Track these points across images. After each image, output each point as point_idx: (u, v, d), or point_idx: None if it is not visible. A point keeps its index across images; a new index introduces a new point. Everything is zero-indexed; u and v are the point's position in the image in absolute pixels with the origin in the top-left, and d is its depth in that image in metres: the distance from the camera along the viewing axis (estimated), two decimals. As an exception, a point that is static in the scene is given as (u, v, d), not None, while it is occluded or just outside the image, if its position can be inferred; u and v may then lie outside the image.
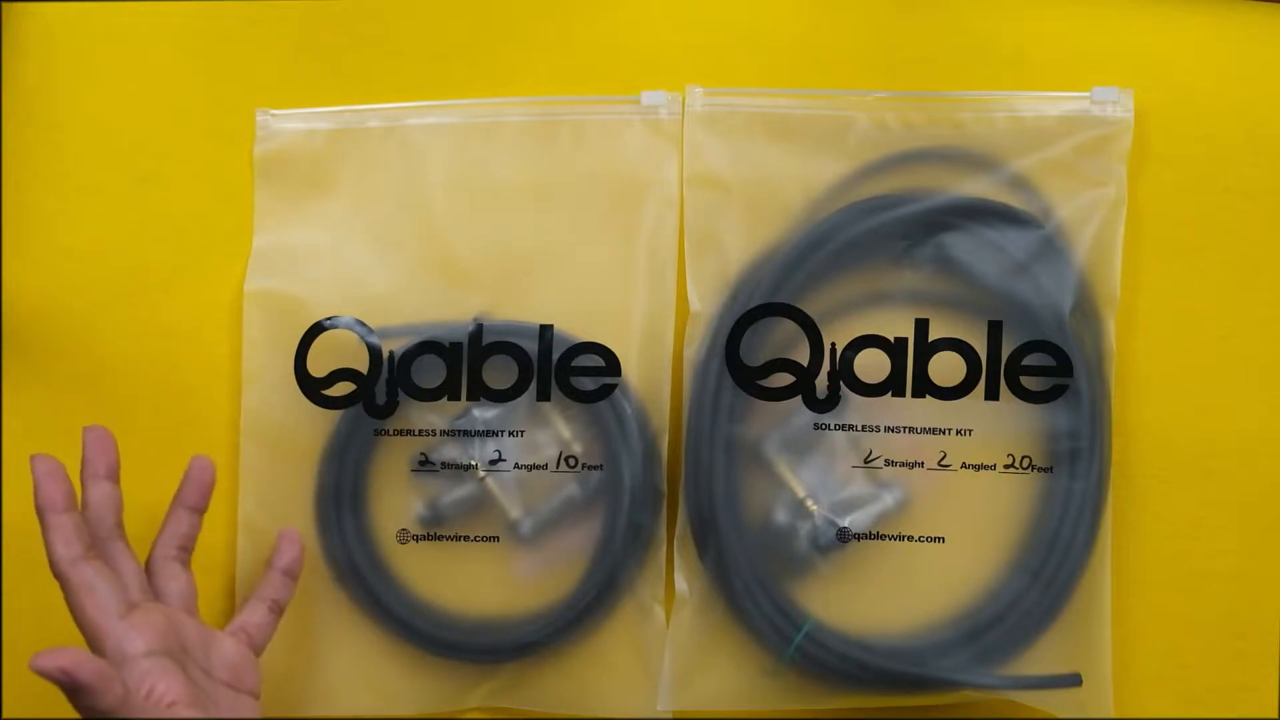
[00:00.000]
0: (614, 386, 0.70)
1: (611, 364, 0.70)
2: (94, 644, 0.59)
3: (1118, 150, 0.69)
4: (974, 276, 0.69)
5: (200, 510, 0.66)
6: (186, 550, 0.65)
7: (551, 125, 0.72)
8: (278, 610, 0.66)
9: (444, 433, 0.70)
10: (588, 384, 0.70)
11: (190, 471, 0.66)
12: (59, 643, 0.72)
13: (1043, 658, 0.68)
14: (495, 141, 0.72)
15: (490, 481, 0.70)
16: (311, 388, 0.70)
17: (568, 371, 0.70)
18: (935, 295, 0.69)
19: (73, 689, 0.54)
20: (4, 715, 0.72)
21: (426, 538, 0.71)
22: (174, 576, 0.64)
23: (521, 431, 0.70)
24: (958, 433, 0.69)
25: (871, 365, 0.69)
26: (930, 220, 0.69)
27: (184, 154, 0.74)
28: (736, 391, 0.69)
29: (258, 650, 0.65)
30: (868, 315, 0.69)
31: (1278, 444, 0.69)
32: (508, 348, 0.70)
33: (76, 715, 0.72)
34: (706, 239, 0.71)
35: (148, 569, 0.64)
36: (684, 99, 0.71)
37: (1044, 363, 0.68)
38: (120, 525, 0.63)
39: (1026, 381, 0.68)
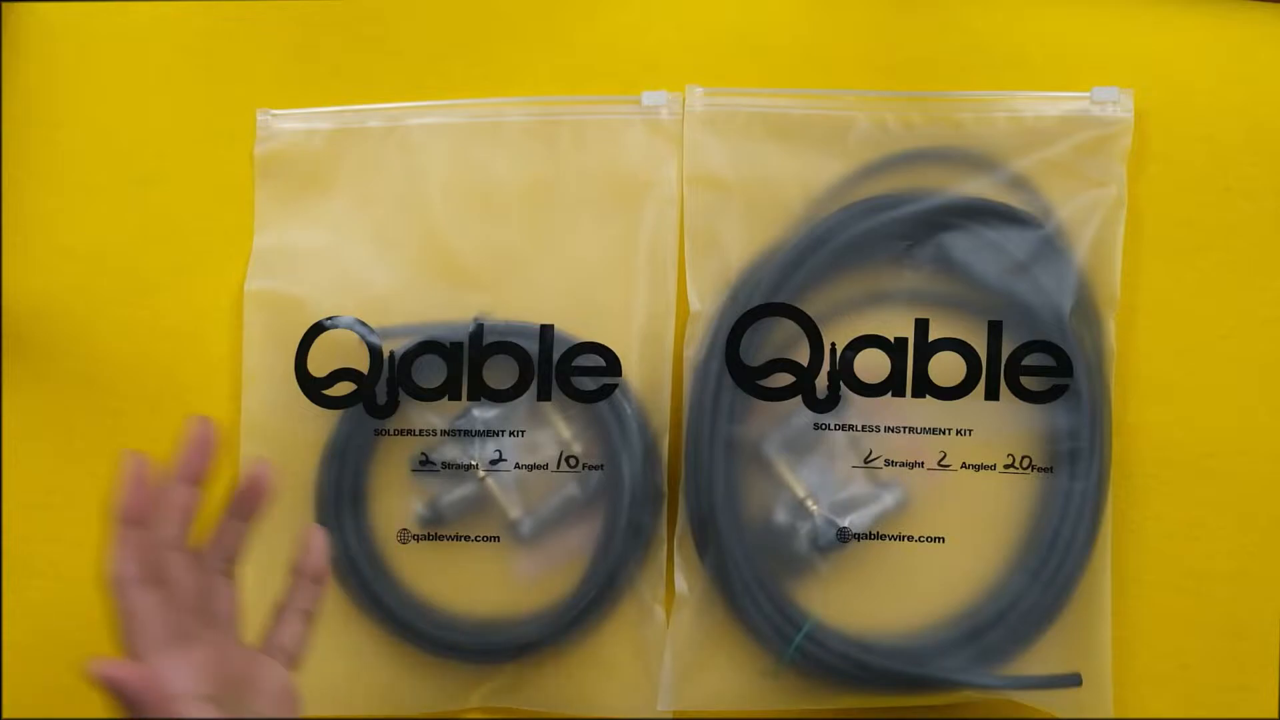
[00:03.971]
0: (614, 386, 0.70)
1: (612, 364, 0.70)
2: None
3: (1118, 150, 0.69)
4: (974, 276, 0.69)
5: (251, 521, 0.61)
6: (233, 563, 0.61)
7: (551, 125, 0.72)
8: (310, 620, 0.61)
9: (444, 433, 0.70)
10: (588, 384, 0.70)
11: (252, 480, 0.61)
12: (59, 641, 0.73)
13: (1043, 658, 0.68)
14: (495, 141, 0.72)
15: (490, 481, 0.70)
16: (312, 388, 0.70)
17: (568, 371, 0.70)
18: (935, 295, 0.69)
19: (127, 701, 0.53)
20: (4, 715, 0.72)
21: (427, 538, 0.71)
22: (221, 593, 0.60)
23: (522, 431, 0.70)
24: (958, 433, 0.69)
25: (871, 365, 0.69)
26: (930, 220, 0.69)
27: (184, 154, 0.74)
28: (736, 391, 0.69)
29: (295, 666, 0.60)
30: (868, 315, 0.69)
31: (1278, 444, 0.69)
32: (508, 348, 0.70)
33: (76, 717, 0.72)
34: (706, 239, 0.71)
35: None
36: (684, 99, 0.71)
37: (1044, 363, 0.68)
38: (185, 534, 0.59)
39: (1026, 381, 0.68)
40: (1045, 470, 0.68)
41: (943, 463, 0.69)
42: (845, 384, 0.69)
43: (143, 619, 0.55)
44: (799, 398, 0.69)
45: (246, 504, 0.60)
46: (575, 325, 0.71)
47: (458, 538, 0.71)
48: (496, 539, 0.70)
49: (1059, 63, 0.71)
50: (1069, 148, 0.69)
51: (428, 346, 0.70)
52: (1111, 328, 0.69)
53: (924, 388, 0.69)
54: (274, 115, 0.73)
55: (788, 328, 0.69)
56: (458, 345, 0.70)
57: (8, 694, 0.72)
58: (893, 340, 0.69)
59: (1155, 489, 0.69)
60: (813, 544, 0.69)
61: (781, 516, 0.69)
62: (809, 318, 0.69)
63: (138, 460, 0.57)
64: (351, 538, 0.70)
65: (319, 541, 0.62)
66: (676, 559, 0.70)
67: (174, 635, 0.56)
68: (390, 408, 0.70)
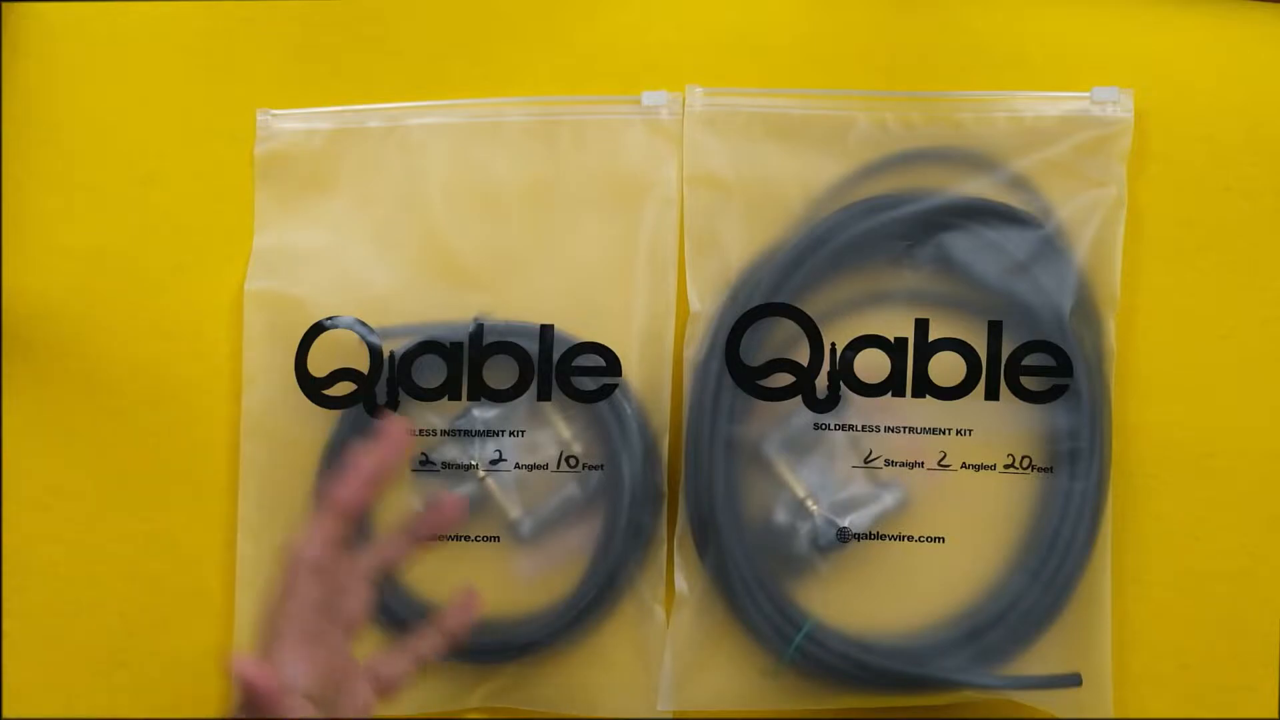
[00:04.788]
0: (614, 386, 0.70)
1: (612, 364, 0.70)
2: (262, 643, 0.57)
3: (1118, 150, 0.69)
4: (974, 276, 0.69)
5: (423, 547, 0.62)
6: (385, 575, 0.61)
7: (551, 125, 0.72)
8: (421, 667, 0.62)
9: (444, 433, 0.70)
10: (588, 384, 0.70)
11: (442, 505, 0.63)
12: (59, 641, 0.73)
13: (1043, 658, 0.68)
14: (495, 141, 0.72)
15: (490, 481, 0.70)
16: (312, 388, 0.70)
17: (568, 371, 0.70)
18: (935, 295, 0.69)
19: (254, 705, 0.53)
20: (4, 715, 0.72)
21: (426, 537, 0.71)
22: (356, 596, 0.59)
23: (522, 431, 0.70)
24: (958, 433, 0.69)
25: (871, 365, 0.69)
26: (930, 220, 0.69)
27: (184, 154, 0.74)
28: (736, 391, 0.69)
29: (385, 697, 0.61)
30: (868, 315, 0.69)
31: (1278, 444, 0.69)
32: (508, 347, 0.70)
33: (75, 716, 0.72)
34: (706, 239, 0.71)
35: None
36: (684, 99, 0.71)
37: (1044, 363, 0.68)
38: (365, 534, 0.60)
39: (1026, 381, 0.68)
40: (1045, 470, 0.68)
41: (943, 463, 0.69)
42: (845, 384, 0.69)
43: (298, 605, 0.56)
44: (799, 398, 0.69)
45: (428, 527, 0.62)
46: (575, 325, 0.70)
47: (458, 538, 0.71)
48: (496, 539, 0.70)
49: (1059, 63, 0.71)
50: (1069, 148, 0.69)
51: (428, 346, 0.70)
52: (1111, 328, 0.69)
53: (924, 388, 0.69)
54: (274, 115, 0.73)
55: (788, 328, 0.69)
56: (458, 345, 0.70)
57: (8, 694, 0.72)
58: (893, 340, 0.69)
59: (1155, 489, 0.69)
60: (813, 544, 0.69)
61: (781, 516, 0.69)
62: (809, 318, 0.69)
63: (372, 454, 0.59)
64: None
65: (470, 606, 0.64)
66: (676, 559, 0.70)
67: (310, 630, 0.56)
68: (390, 408, 0.70)
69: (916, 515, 0.69)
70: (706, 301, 0.70)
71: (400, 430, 0.61)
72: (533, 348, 0.70)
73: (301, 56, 0.74)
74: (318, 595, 0.57)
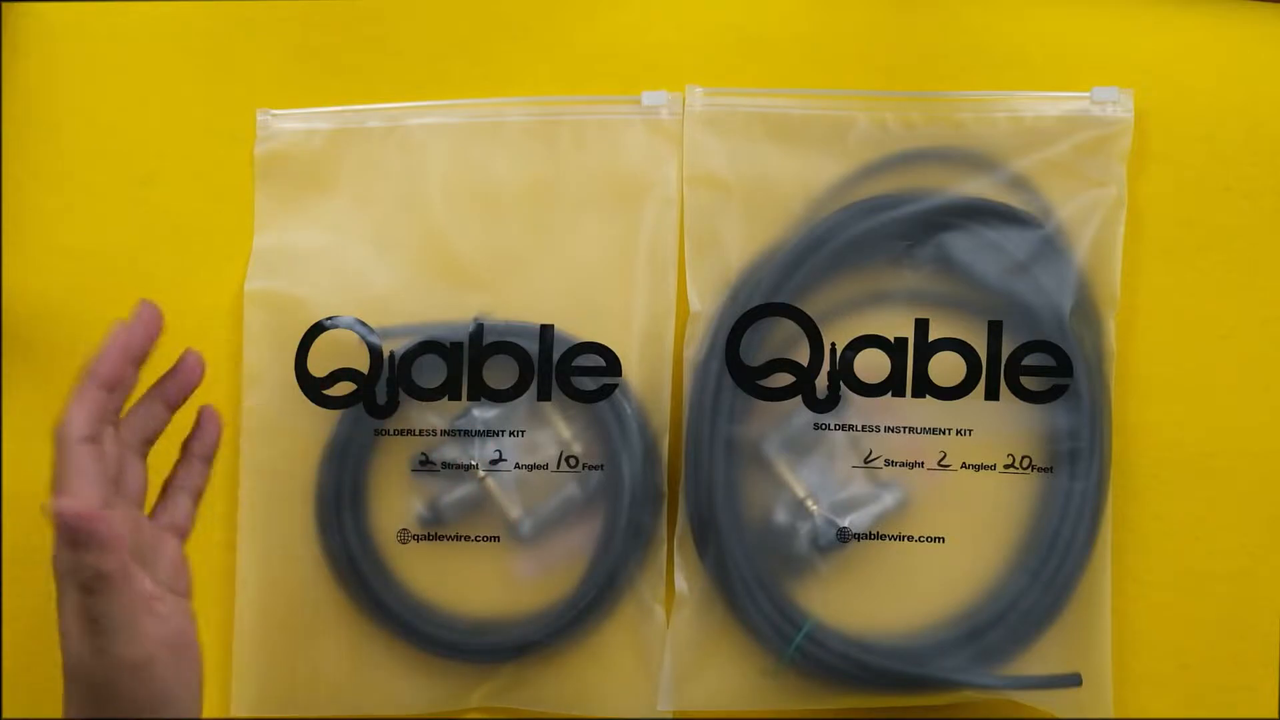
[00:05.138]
0: (614, 386, 0.70)
1: (612, 364, 0.70)
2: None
3: (1118, 150, 0.69)
4: (974, 276, 0.69)
5: (176, 408, 0.63)
6: (149, 444, 0.63)
7: (552, 125, 0.72)
8: (199, 499, 0.64)
9: (444, 433, 0.70)
10: (588, 384, 0.70)
11: (182, 365, 0.63)
12: (59, 642, 0.72)
13: (1043, 658, 0.68)
14: (495, 141, 0.72)
15: (490, 481, 0.70)
16: (312, 388, 0.70)
17: (568, 371, 0.70)
18: (935, 295, 0.69)
19: (84, 541, 0.55)
20: (4, 715, 0.72)
21: (426, 538, 0.71)
22: (133, 469, 0.61)
23: (522, 431, 0.70)
24: (958, 433, 0.69)
25: (871, 365, 0.69)
26: (930, 220, 0.69)
27: (184, 154, 0.74)
28: (736, 391, 0.69)
29: (184, 539, 0.63)
30: (868, 315, 0.69)
31: (1278, 444, 0.69)
32: (508, 347, 0.70)
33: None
34: (706, 239, 0.71)
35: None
36: (684, 99, 0.71)
37: (1044, 363, 0.68)
38: (120, 409, 0.61)
39: (1026, 381, 0.68)
40: (1045, 470, 0.68)
41: (943, 463, 0.69)
42: (845, 384, 0.69)
43: (85, 477, 0.57)
44: (799, 398, 0.69)
45: (175, 389, 0.63)
46: (575, 325, 0.71)
47: (458, 538, 0.71)
48: (496, 539, 0.70)
49: (1059, 63, 0.71)
50: (1069, 148, 0.69)
51: (428, 346, 0.70)
52: (1111, 328, 0.69)
53: (924, 388, 0.69)
54: (274, 115, 0.73)
55: (788, 328, 0.69)
56: (458, 345, 0.70)
57: (8, 694, 0.72)
58: (893, 340, 0.69)
59: (1155, 489, 0.69)
60: (813, 544, 0.69)
61: (781, 516, 0.69)
62: (809, 318, 0.69)
63: (126, 330, 0.60)
64: (351, 538, 0.70)
65: (213, 423, 0.65)
66: (676, 559, 0.70)
67: (102, 498, 0.57)
68: (390, 408, 0.70)
69: (916, 515, 0.69)
70: (706, 301, 0.70)
71: (152, 311, 0.61)
72: (533, 348, 0.70)
73: (301, 56, 0.74)
74: (99, 470, 0.57)
